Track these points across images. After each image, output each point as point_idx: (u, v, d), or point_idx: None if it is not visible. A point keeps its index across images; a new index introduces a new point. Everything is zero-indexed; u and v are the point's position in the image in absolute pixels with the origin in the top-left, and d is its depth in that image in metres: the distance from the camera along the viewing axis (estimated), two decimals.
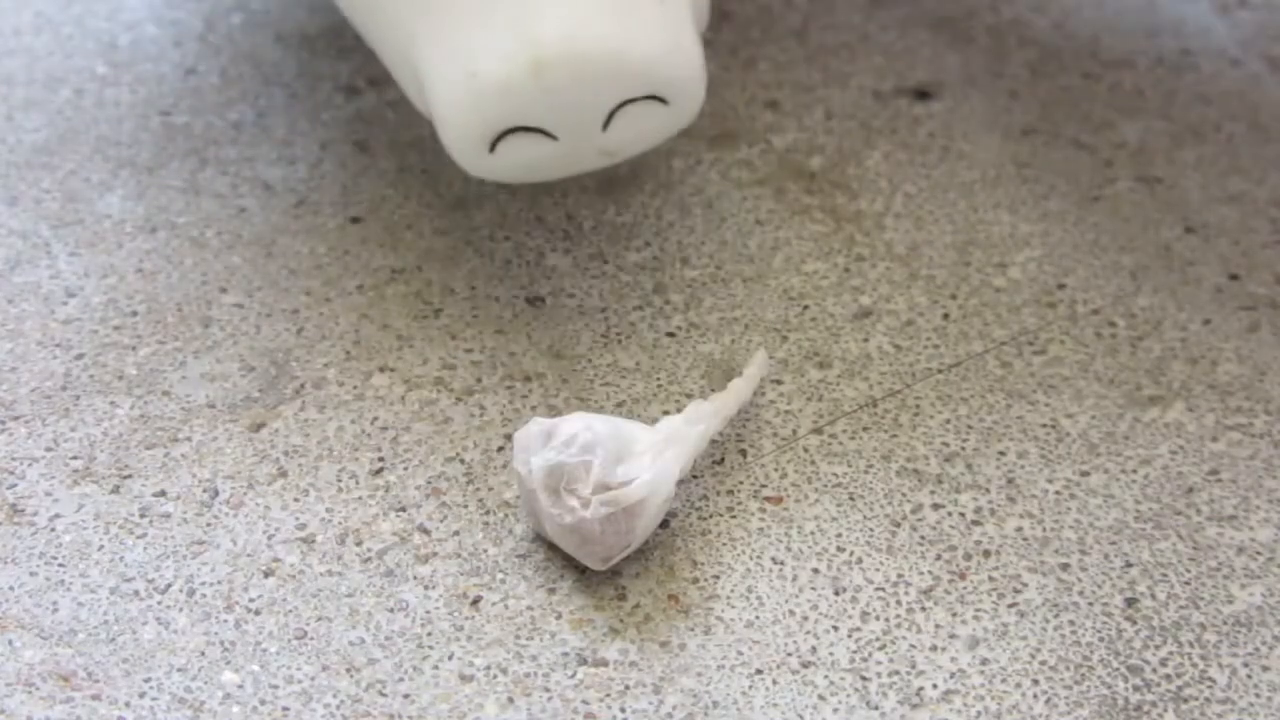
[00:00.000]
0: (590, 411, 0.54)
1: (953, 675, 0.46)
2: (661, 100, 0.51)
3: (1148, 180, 0.67)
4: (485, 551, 0.50)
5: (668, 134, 0.53)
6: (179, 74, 0.71)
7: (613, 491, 0.47)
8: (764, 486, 0.52)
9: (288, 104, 0.70)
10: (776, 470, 0.53)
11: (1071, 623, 0.48)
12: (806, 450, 0.54)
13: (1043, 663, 0.47)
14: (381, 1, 0.52)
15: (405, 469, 0.53)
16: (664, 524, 0.51)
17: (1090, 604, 0.49)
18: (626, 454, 0.48)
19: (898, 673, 0.46)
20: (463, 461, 0.53)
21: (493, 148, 0.51)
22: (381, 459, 0.53)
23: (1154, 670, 0.47)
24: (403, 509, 0.51)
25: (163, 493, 0.52)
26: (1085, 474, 0.53)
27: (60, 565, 0.49)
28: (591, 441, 0.47)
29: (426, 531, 0.51)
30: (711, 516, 0.51)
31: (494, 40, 0.48)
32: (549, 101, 0.49)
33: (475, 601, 0.48)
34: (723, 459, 0.53)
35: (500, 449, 0.54)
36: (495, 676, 0.46)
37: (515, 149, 0.51)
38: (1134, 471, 0.53)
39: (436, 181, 0.65)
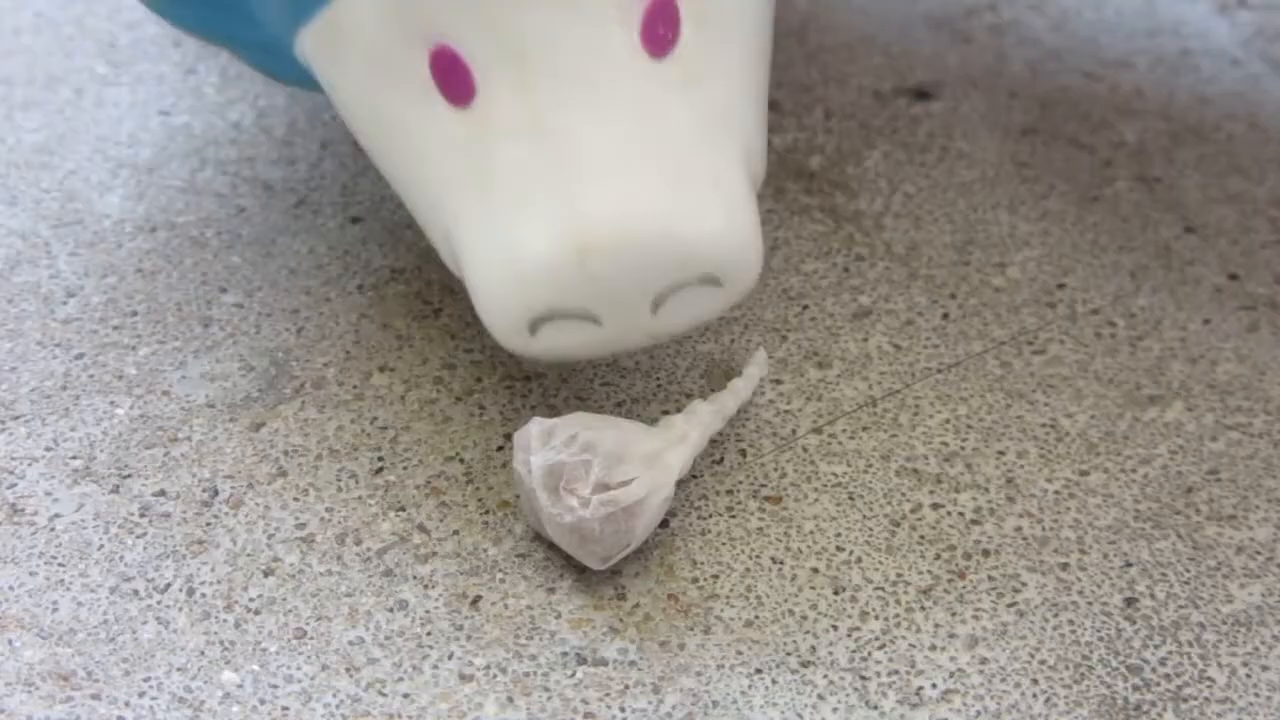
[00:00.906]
0: (590, 411, 0.54)
1: (952, 675, 0.46)
2: (715, 282, 0.47)
3: (1147, 180, 0.67)
4: (485, 551, 0.50)
5: (719, 313, 0.49)
6: (179, 74, 0.71)
7: (612, 491, 0.47)
8: (763, 486, 0.52)
9: (288, 104, 0.70)
10: (776, 470, 0.53)
11: (1071, 622, 0.48)
12: (806, 450, 0.54)
13: (1042, 662, 0.47)
14: (420, 172, 0.48)
15: (405, 468, 0.53)
16: (664, 523, 0.51)
17: (1089, 603, 0.49)
18: (626, 453, 0.48)
19: (897, 672, 0.47)
20: (462, 461, 0.53)
21: (534, 330, 0.47)
22: (381, 458, 0.53)
23: (1153, 670, 0.47)
24: (402, 508, 0.51)
25: (162, 492, 0.52)
26: (1084, 473, 0.53)
27: (60, 565, 0.49)
28: (591, 441, 0.47)
29: (426, 531, 0.51)
30: (711, 516, 0.51)
31: (537, 222, 0.45)
32: (594, 287, 0.45)
33: (475, 601, 0.48)
34: (722, 459, 0.53)
35: (500, 449, 0.54)
36: (495, 676, 0.46)
37: (557, 333, 0.47)
38: (1133, 471, 0.53)
39: None
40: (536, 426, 0.48)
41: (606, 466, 0.47)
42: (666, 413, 0.55)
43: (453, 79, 0.47)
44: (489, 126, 0.46)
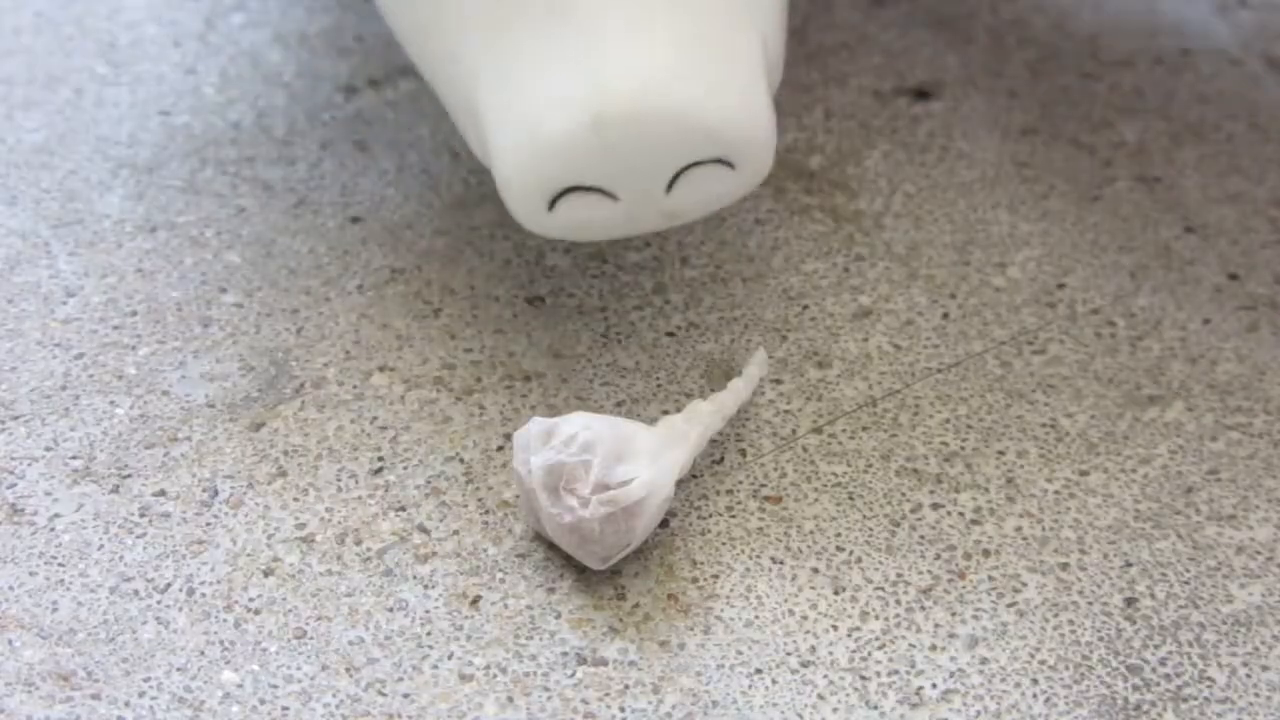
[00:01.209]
0: (590, 411, 0.54)
1: (952, 675, 0.46)
2: (729, 164, 0.48)
3: (1147, 180, 0.67)
4: (485, 551, 0.50)
5: (733, 198, 0.50)
6: (179, 74, 0.71)
7: (612, 491, 0.47)
8: (763, 486, 0.52)
9: (288, 104, 0.70)
10: (776, 470, 0.53)
11: (1071, 622, 0.48)
12: (806, 450, 0.54)
13: (1042, 662, 0.47)
14: (443, 31, 0.49)
15: (405, 468, 0.53)
16: (663, 523, 0.51)
17: (1089, 603, 0.49)
18: (626, 453, 0.48)
19: (897, 672, 0.46)
20: (462, 461, 0.53)
21: (552, 205, 0.48)
22: (381, 458, 0.53)
23: (1153, 670, 0.47)
24: (402, 508, 0.51)
25: (162, 492, 0.52)
26: (1084, 473, 0.53)
27: (60, 565, 0.49)
28: (591, 441, 0.47)
29: (426, 531, 0.51)
30: (711, 516, 0.51)
31: (556, 93, 0.46)
32: (610, 160, 0.46)
33: (475, 601, 0.48)
34: (722, 458, 0.53)
35: (500, 449, 0.54)
36: (495, 676, 0.46)
37: (575, 208, 0.48)
38: (1133, 471, 0.53)
39: (436, 181, 0.65)
40: (536, 426, 0.48)
41: (606, 466, 0.47)
42: (666, 413, 0.55)
43: None
44: None
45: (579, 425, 0.48)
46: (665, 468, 0.48)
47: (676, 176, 0.48)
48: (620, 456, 0.48)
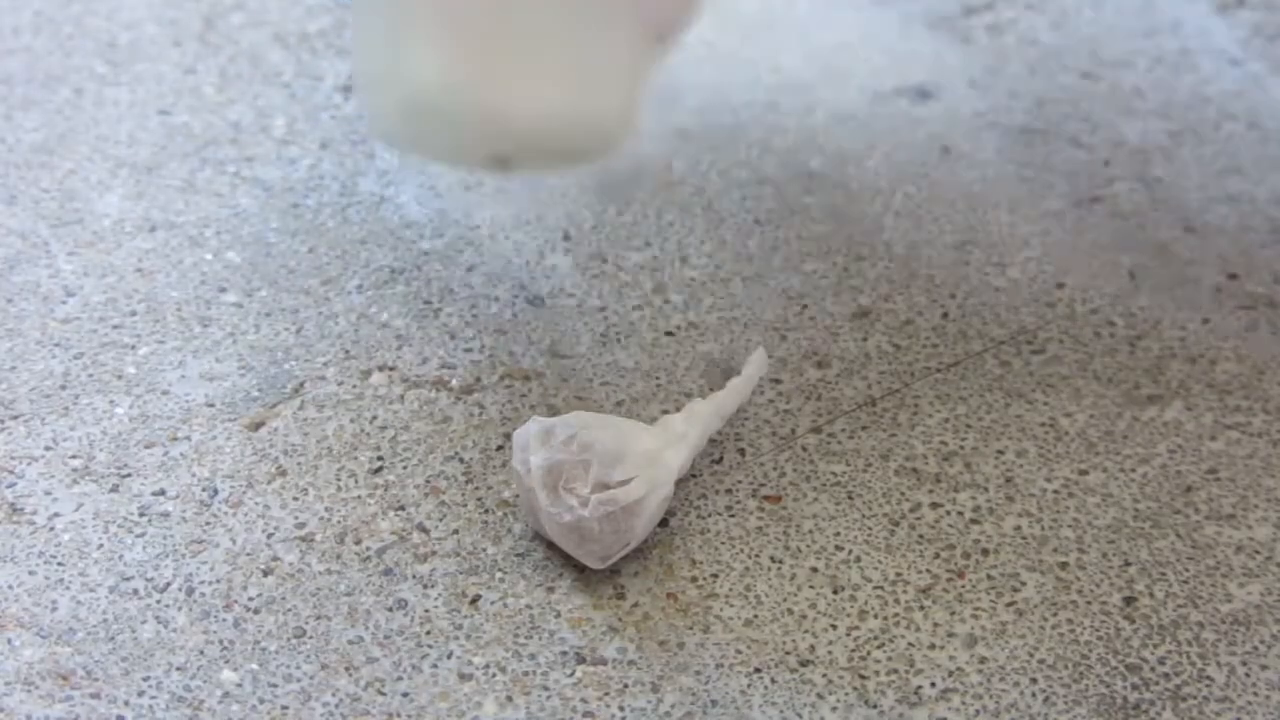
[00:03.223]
0: (590, 411, 0.54)
1: (951, 674, 0.46)
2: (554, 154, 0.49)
3: (1146, 180, 0.67)
4: (484, 550, 0.50)
5: (572, 171, 0.51)
6: (179, 74, 0.71)
7: (611, 491, 0.47)
8: (763, 485, 0.52)
9: (288, 104, 0.70)
10: (775, 469, 0.53)
11: (1070, 621, 0.48)
12: (805, 449, 0.54)
13: (1041, 661, 0.47)
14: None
15: (404, 468, 0.53)
16: (663, 523, 0.51)
17: (1088, 603, 0.49)
18: (625, 453, 0.48)
19: (896, 671, 0.46)
20: (462, 460, 0.53)
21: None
22: (380, 458, 0.53)
23: (1152, 669, 0.47)
24: (402, 508, 0.51)
25: (162, 492, 0.52)
26: (1084, 473, 0.53)
27: (59, 564, 0.49)
28: (590, 441, 0.47)
29: (425, 530, 0.51)
30: (710, 515, 0.51)
31: (380, 71, 0.48)
32: (424, 139, 0.49)
33: (474, 600, 0.48)
34: (721, 458, 0.53)
35: (499, 448, 0.54)
36: (494, 675, 0.46)
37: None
38: (1132, 470, 0.53)
39: (436, 180, 0.65)
40: (535, 426, 0.48)
41: (605, 466, 0.47)
42: (666, 412, 0.55)
43: None
44: None
45: (578, 425, 0.48)
46: (664, 468, 0.48)
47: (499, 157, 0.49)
48: (619, 456, 0.48)
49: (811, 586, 0.49)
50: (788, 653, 0.47)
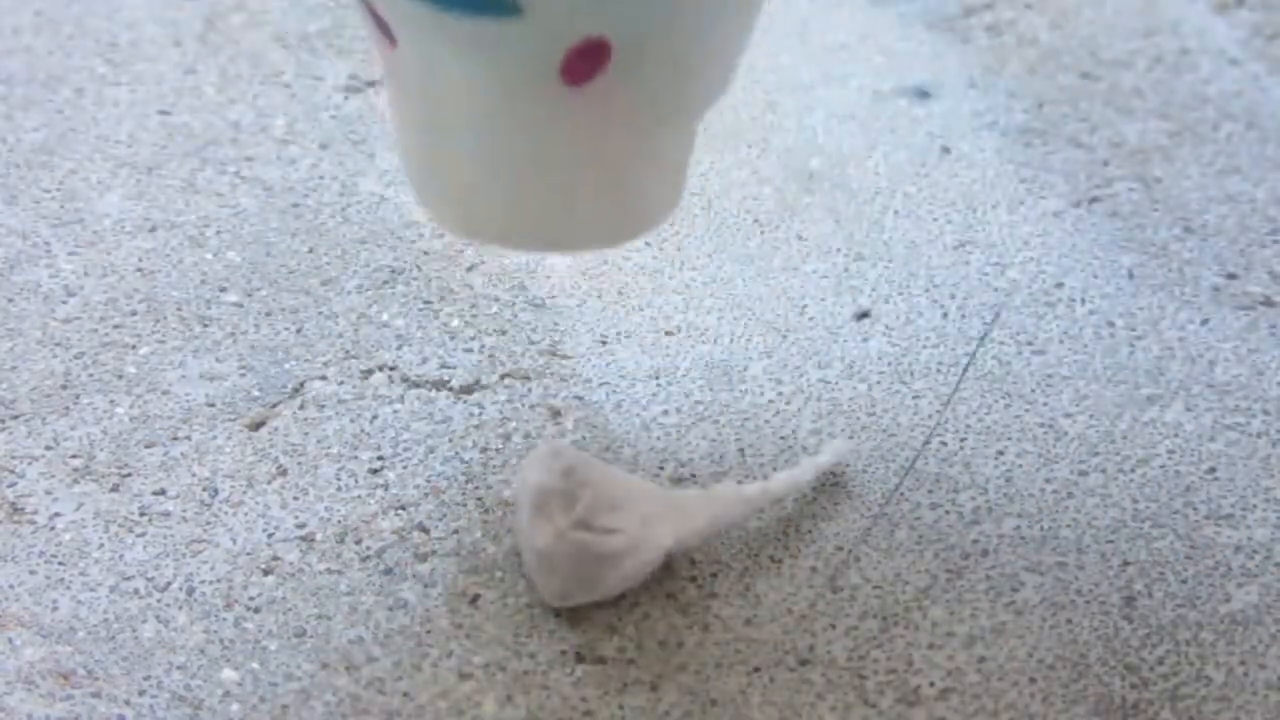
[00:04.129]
0: (589, 410, 0.54)
1: (950, 673, 0.47)
2: None
3: (1146, 180, 0.67)
4: (484, 550, 0.50)
5: None
6: (179, 74, 0.71)
7: (590, 533, 0.46)
8: None
9: (288, 104, 0.70)
10: (775, 469, 0.53)
11: (1069, 621, 0.48)
12: (805, 449, 0.54)
13: (1040, 661, 0.47)
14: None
15: (404, 467, 0.53)
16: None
17: (1088, 603, 0.49)
18: (621, 504, 0.47)
19: (895, 671, 0.47)
20: (462, 460, 0.53)
21: None
22: (380, 457, 0.53)
23: (1151, 669, 0.47)
24: (402, 507, 0.51)
25: (162, 491, 0.52)
26: (1083, 473, 0.53)
27: (60, 564, 0.49)
28: (588, 479, 0.46)
29: (425, 530, 0.51)
30: None
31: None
32: None
33: (474, 599, 0.49)
34: (721, 458, 0.53)
35: (499, 449, 0.54)
36: (494, 674, 0.46)
37: None
38: (1132, 471, 0.53)
39: None
40: (546, 447, 0.48)
41: (593, 508, 0.46)
42: (666, 413, 0.55)
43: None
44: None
45: (584, 461, 0.47)
46: (655, 534, 0.47)
47: None
48: (614, 505, 0.47)
49: (811, 586, 0.49)
50: (787, 652, 0.47)
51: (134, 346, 0.57)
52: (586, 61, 0.44)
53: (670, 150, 0.48)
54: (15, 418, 0.54)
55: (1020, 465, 0.53)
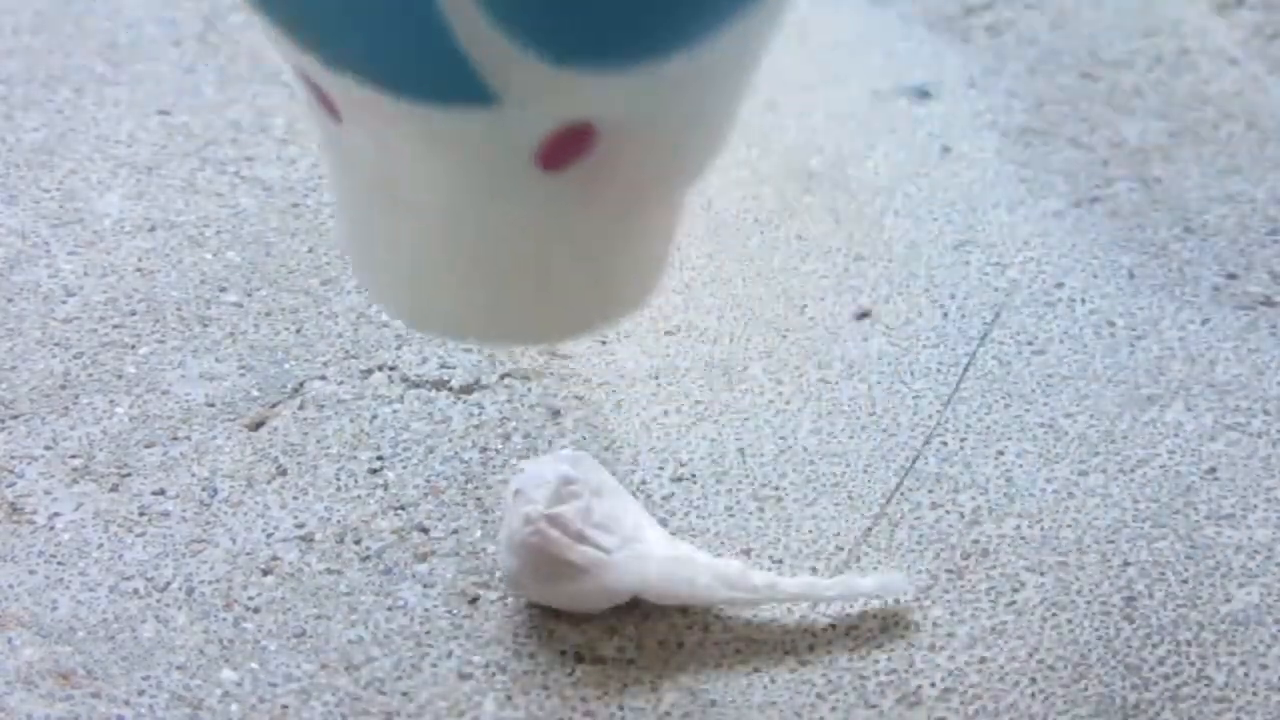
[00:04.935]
0: (589, 410, 0.53)
1: (950, 674, 0.46)
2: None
3: (1146, 180, 0.67)
4: (484, 550, 0.50)
5: None
6: (179, 73, 0.71)
7: (562, 534, 0.45)
8: (763, 486, 0.52)
9: (288, 104, 0.70)
10: (775, 470, 0.53)
11: (1069, 622, 0.48)
12: (806, 450, 0.54)
13: (1040, 661, 0.47)
14: None
15: (404, 467, 0.53)
16: (663, 522, 0.51)
17: (1088, 603, 0.49)
18: (616, 527, 0.46)
19: (895, 671, 0.47)
20: (461, 460, 0.53)
21: None
22: (380, 457, 0.53)
23: (1152, 669, 0.47)
24: (401, 507, 0.51)
25: (162, 491, 0.52)
26: (1084, 473, 0.53)
27: (59, 564, 0.49)
28: (585, 487, 0.46)
29: (425, 530, 0.51)
30: (710, 516, 0.51)
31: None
32: None
33: (474, 599, 0.48)
34: (721, 458, 0.53)
35: (499, 449, 0.54)
36: (494, 674, 0.46)
37: None
38: (1132, 471, 0.53)
39: None
40: (572, 451, 0.47)
41: (592, 518, 0.46)
42: (666, 413, 0.55)
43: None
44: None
45: (597, 477, 0.47)
46: (630, 567, 0.46)
47: None
48: (612, 527, 0.46)
49: None
50: (787, 652, 0.47)
51: (134, 346, 0.57)
52: (567, 148, 0.40)
53: (656, 226, 0.44)
54: (15, 418, 0.54)
55: (1020, 465, 0.53)
